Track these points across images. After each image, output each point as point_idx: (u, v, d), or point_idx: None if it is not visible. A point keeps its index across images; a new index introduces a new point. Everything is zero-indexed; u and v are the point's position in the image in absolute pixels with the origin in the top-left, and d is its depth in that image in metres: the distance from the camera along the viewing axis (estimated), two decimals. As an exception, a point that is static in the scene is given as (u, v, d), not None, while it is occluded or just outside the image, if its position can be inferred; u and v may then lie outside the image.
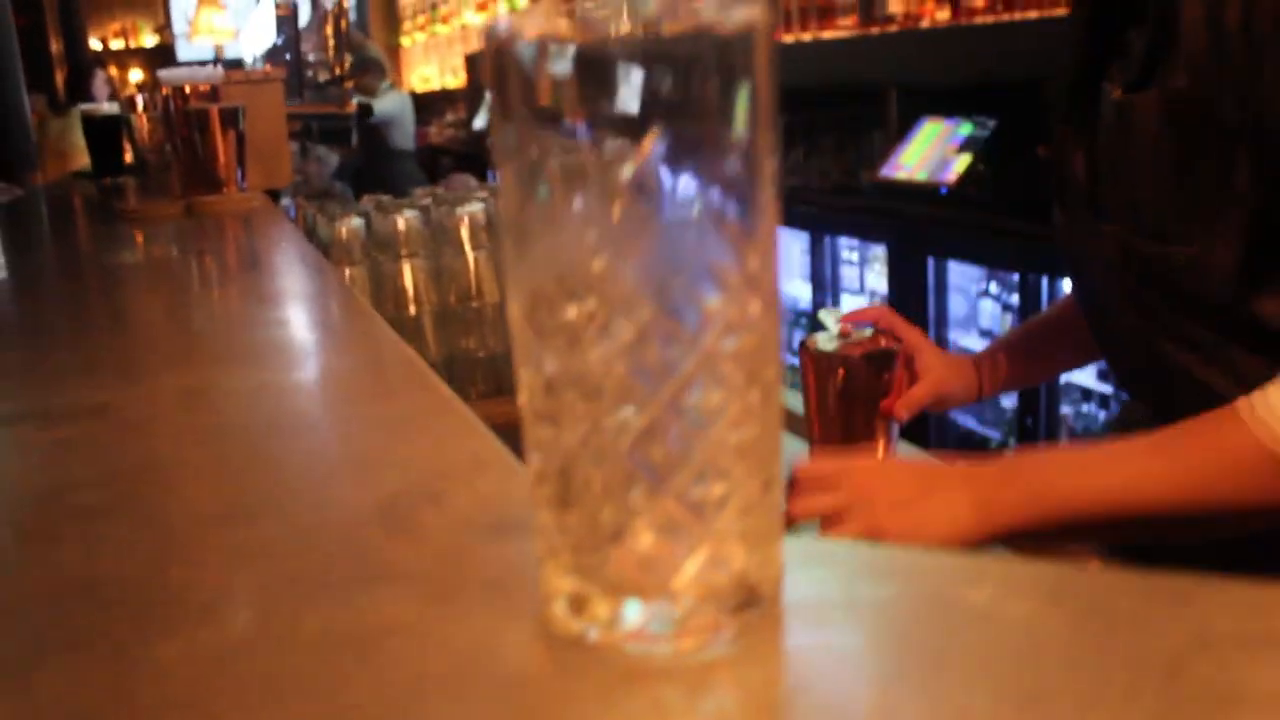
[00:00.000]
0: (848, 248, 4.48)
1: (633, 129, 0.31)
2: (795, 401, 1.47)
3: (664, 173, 0.32)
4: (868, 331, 1.33)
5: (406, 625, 0.37)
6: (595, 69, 0.31)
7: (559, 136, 0.32)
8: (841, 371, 1.29)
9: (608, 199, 0.32)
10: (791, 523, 1.03)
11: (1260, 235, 0.98)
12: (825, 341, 1.32)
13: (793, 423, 1.71)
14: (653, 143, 0.31)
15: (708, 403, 0.33)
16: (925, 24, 3.89)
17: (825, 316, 1.35)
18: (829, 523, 0.99)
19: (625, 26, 0.32)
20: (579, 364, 0.33)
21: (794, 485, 1.04)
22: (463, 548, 0.44)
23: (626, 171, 0.31)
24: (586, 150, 0.32)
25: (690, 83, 0.32)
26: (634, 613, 0.35)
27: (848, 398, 1.29)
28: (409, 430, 0.60)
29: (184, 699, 0.34)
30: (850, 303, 4.51)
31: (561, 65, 0.31)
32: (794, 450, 1.44)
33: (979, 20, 3.61)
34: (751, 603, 0.36)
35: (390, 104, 7.01)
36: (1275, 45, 0.92)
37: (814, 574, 0.40)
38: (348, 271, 1.79)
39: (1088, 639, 0.34)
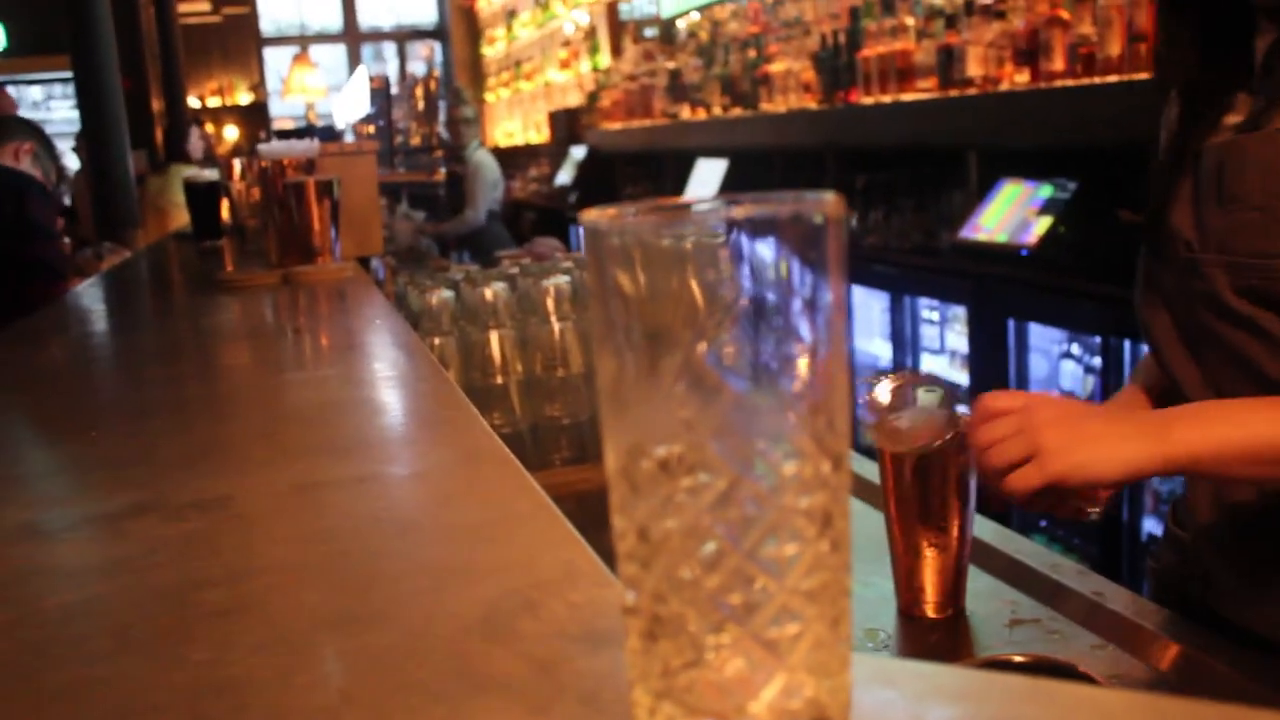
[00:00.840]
0: (928, 307, 4.49)
1: (716, 313, 0.36)
2: (873, 470, 1.49)
3: (745, 350, 0.36)
4: (936, 392, 1.35)
5: (509, 737, 0.42)
6: (686, 261, 0.36)
7: (650, 316, 0.36)
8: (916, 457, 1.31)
9: (694, 375, 0.36)
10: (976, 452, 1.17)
11: None
12: (903, 418, 1.34)
13: (871, 492, 1.73)
14: (735, 324, 0.36)
15: (783, 553, 0.37)
16: (1004, 87, 3.90)
17: (924, 396, 1.37)
18: (998, 453, 1.12)
19: (713, 221, 0.36)
20: (669, 518, 0.37)
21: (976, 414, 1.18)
22: (559, 659, 0.48)
23: (711, 351, 0.36)
24: (675, 329, 0.36)
25: (769, 272, 0.36)
26: None
27: (923, 476, 1.32)
28: (507, 535, 0.64)
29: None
30: (930, 361, 4.50)
31: (653, 257, 0.36)
32: (873, 521, 1.46)
33: (1058, 84, 3.62)
34: (823, 728, 0.39)
35: (485, 169, 7.12)
36: None
37: (882, 695, 0.43)
38: (437, 341, 1.85)
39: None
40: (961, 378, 4.22)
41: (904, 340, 4.52)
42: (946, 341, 4.45)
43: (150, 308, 2.26)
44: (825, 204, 0.37)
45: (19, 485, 0.87)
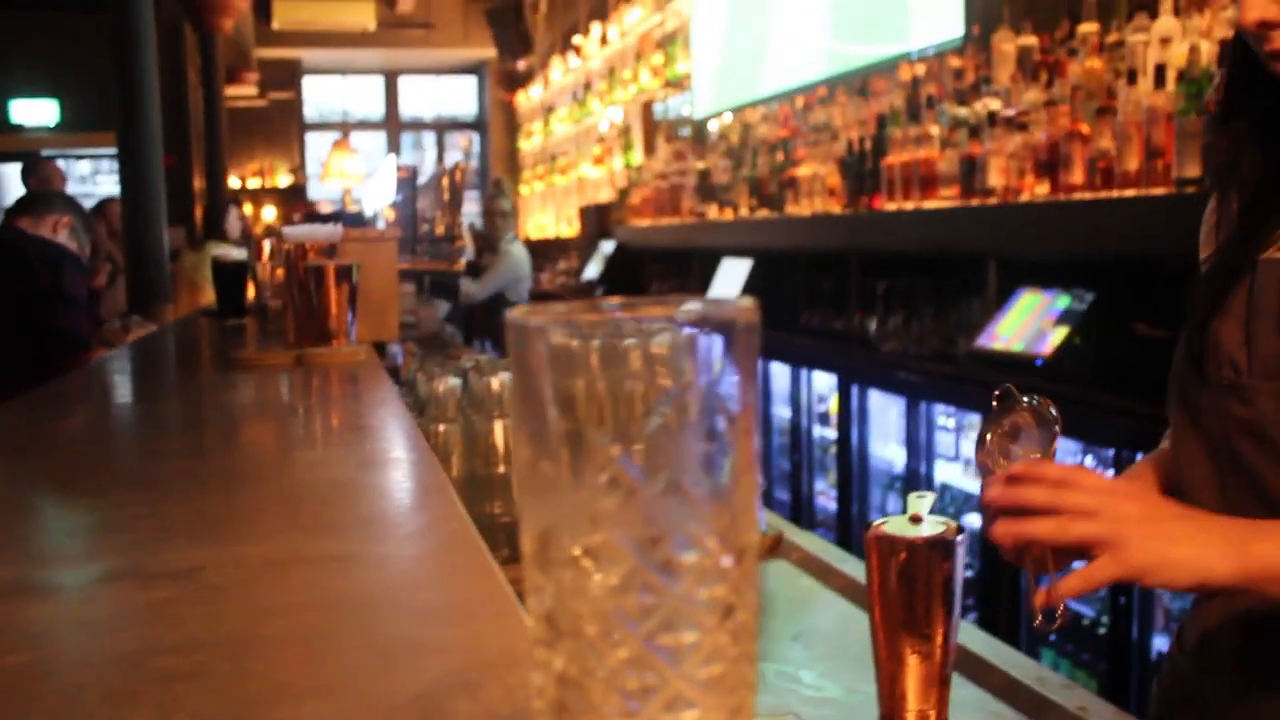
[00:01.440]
0: (944, 414, 4.49)
1: (625, 411, 0.38)
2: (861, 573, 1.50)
3: (650, 445, 0.38)
4: (941, 520, 1.36)
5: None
6: (598, 360, 0.38)
7: (562, 411, 0.38)
8: (903, 556, 1.32)
9: (600, 468, 0.38)
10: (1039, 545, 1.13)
11: None
12: (894, 526, 1.35)
13: (859, 594, 1.73)
14: (644, 424, 0.38)
15: (680, 641, 0.38)
16: (1025, 197, 3.95)
17: (914, 501, 1.38)
18: (1068, 526, 1.07)
19: (627, 324, 0.39)
20: (573, 602, 0.39)
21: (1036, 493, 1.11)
22: (485, 740, 0.49)
23: (618, 445, 0.38)
24: (585, 424, 0.38)
25: (679, 373, 0.38)
26: None
27: (908, 582, 1.32)
28: (460, 619, 0.66)
29: None
30: (944, 469, 4.49)
31: (567, 356, 0.38)
32: (858, 619, 1.47)
33: (1077, 196, 3.67)
34: (721, 817, 0.40)
35: (512, 260, 7.19)
36: None
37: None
38: (441, 428, 1.88)
39: None
40: (975, 486, 4.20)
41: (919, 447, 4.52)
42: (961, 449, 4.44)
43: (163, 382, 2.31)
44: (738, 310, 0.40)
45: (6, 546, 0.89)
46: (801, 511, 5.50)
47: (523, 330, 0.39)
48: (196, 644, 0.63)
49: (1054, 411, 1.30)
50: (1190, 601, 1.40)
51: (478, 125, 17.20)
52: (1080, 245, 3.69)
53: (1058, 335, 3.73)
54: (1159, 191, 3.30)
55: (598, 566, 0.38)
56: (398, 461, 1.16)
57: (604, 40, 10.71)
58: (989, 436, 1.33)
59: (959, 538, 1.33)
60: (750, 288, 6.04)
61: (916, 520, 1.37)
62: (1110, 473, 3.61)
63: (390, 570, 0.78)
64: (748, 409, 0.39)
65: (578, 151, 12.05)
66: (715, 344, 0.39)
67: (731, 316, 0.39)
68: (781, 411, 5.84)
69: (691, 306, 0.39)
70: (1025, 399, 1.33)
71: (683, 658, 0.38)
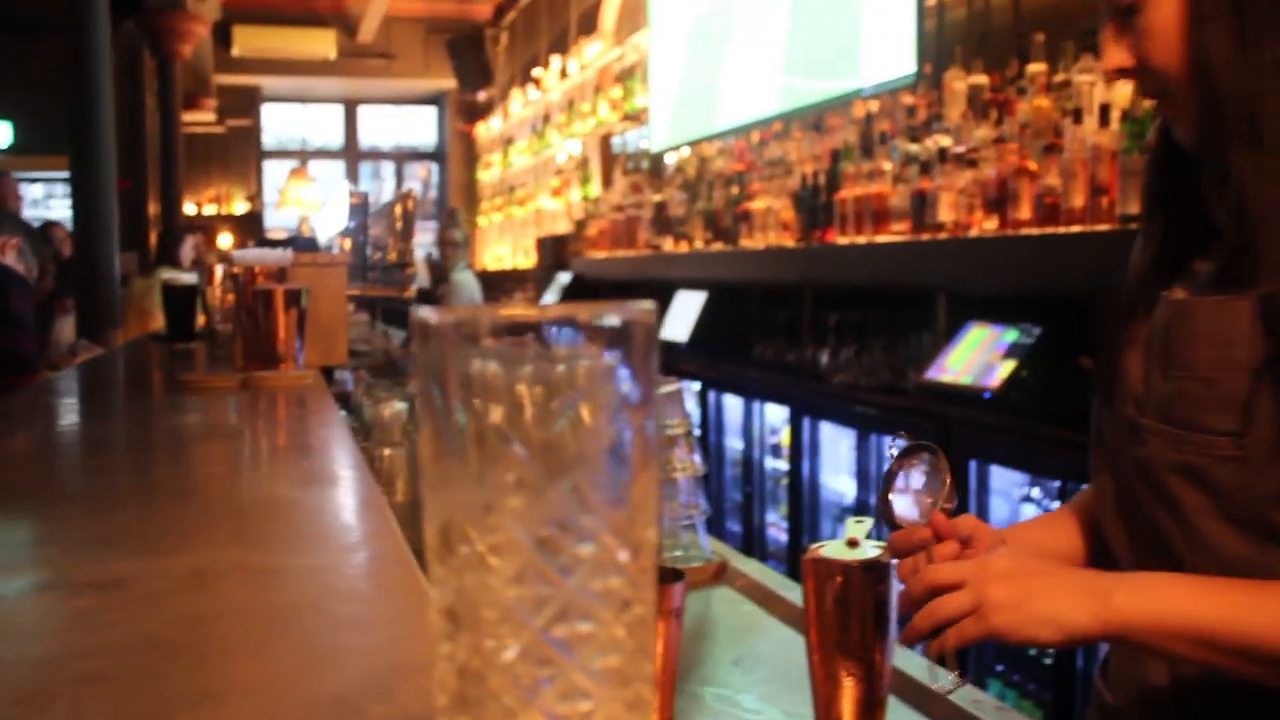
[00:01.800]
0: (895, 447, 4.52)
1: (524, 406, 0.39)
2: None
3: (548, 441, 0.39)
4: (879, 544, 1.37)
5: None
6: (496, 356, 0.39)
7: (468, 411, 0.40)
8: (839, 579, 1.33)
9: (498, 462, 0.39)
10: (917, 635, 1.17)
11: None
12: (830, 550, 1.37)
13: (802, 621, 1.74)
14: (544, 422, 0.39)
15: (575, 633, 0.39)
16: (974, 232, 4.01)
17: (853, 526, 1.40)
18: (943, 603, 1.13)
19: (524, 324, 0.40)
20: (472, 594, 0.40)
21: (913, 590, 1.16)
22: (395, 739, 0.50)
23: (515, 440, 0.39)
24: (484, 417, 0.39)
25: (577, 372, 0.39)
26: None
27: (844, 605, 1.33)
28: (384, 626, 0.66)
29: None
30: (895, 500, 4.52)
31: (466, 351, 0.39)
32: (799, 645, 1.48)
33: (1024, 231, 3.72)
34: (618, 808, 0.41)
35: (463, 288, 7.21)
36: None
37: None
38: (387, 451, 1.88)
39: None
40: (924, 517, 4.23)
41: (869, 478, 4.55)
42: (911, 481, 4.46)
43: (108, 402, 2.29)
44: (636, 313, 0.41)
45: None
46: (753, 543, 5.52)
47: (425, 328, 0.40)
48: (116, 649, 0.63)
49: (944, 461, 1.36)
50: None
51: (437, 156, 17.20)
52: (1027, 280, 3.74)
53: (1005, 368, 3.78)
54: (1104, 228, 3.36)
55: (495, 559, 0.39)
56: (336, 479, 1.17)
57: (563, 73, 10.76)
58: (887, 491, 1.38)
59: (895, 561, 1.34)
60: (704, 320, 6.08)
61: (854, 544, 1.38)
62: (1056, 504, 3.66)
63: (318, 581, 0.78)
64: (645, 409, 0.41)
65: (536, 183, 12.07)
66: (615, 347, 0.40)
67: (630, 320, 0.41)
68: (734, 443, 5.86)
69: (592, 310, 0.40)
70: (921, 447, 1.38)
71: (578, 649, 0.39)
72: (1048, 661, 3.69)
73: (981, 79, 4.27)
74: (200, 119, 14.53)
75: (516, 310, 0.41)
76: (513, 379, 0.39)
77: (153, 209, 12.05)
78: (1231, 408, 1.06)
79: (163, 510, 1.06)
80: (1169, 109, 1.16)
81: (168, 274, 3.77)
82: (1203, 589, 1.06)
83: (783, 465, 5.34)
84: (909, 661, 1.58)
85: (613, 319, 0.40)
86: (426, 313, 0.40)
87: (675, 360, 5.87)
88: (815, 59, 5.89)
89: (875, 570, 1.33)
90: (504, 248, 13.36)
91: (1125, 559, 1.25)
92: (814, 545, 1.39)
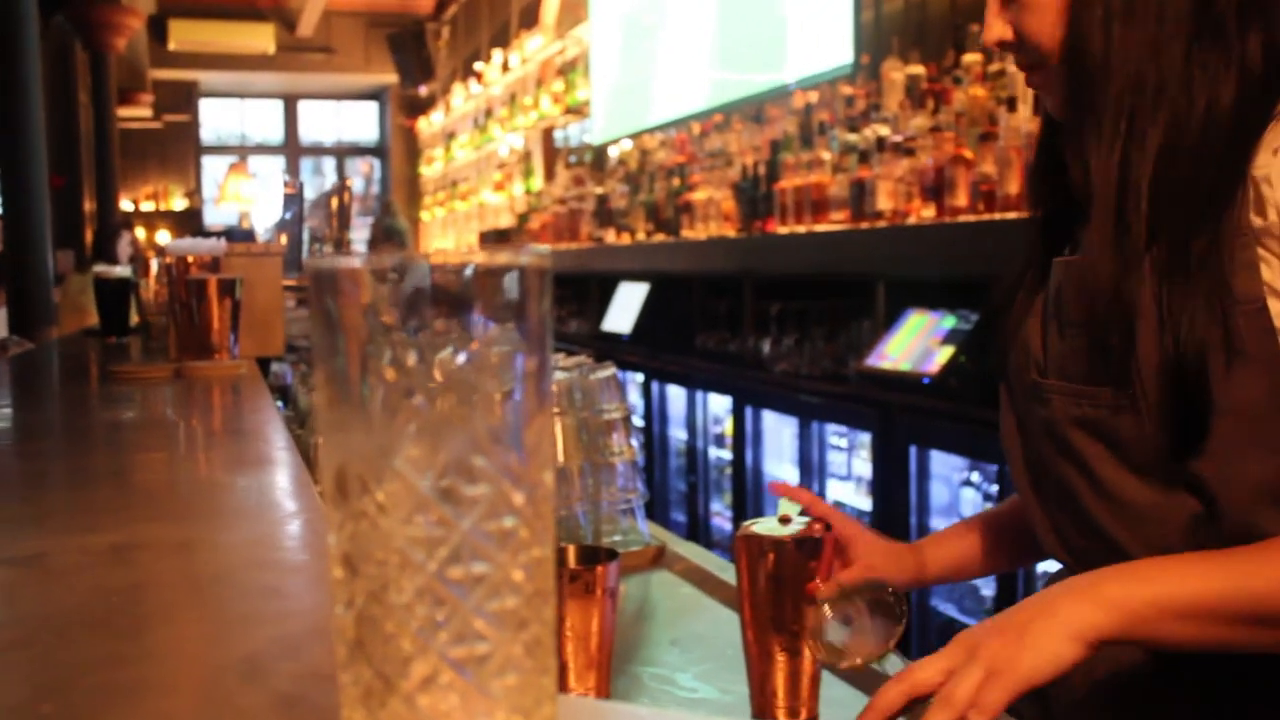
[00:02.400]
0: (836, 434, 4.56)
1: (414, 346, 0.39)
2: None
3: (440, 383, 0.39)
4: (805, 520, 1.39)
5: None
6: (388, 298, 0.40)
7: (362, 355, 0.40)
8: (771, 556, 1.34)
9: (390, 404, 0.39)
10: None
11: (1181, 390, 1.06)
12: (762, 527, 1.38)
13: (735, 600, 1.76)
14: (437, 365, 0.39)
15: (469, 574, 0.40)
16: (912, 220, 4.05)
17: (785, 503, 1.41)
18: (957, 686, 0.99)
19: (426, 272, 0.40)
20: (366, 537, 0.40)
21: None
22: (303, 695, 0.50)
23: (407, 383, 0.39)
24: (382, 369, 0.39)
25: (468, 312, 0.40)
26: None
27: (776, 581, 1.34)
28: (300, 594, 0.66)
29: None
30: (836, 487, 4.56)
31: (371, 304, 0.40)
32: (736, 624, 1.49)
33: (961, 219, 3.77)
34: (517, 750, 0.42)
35: None
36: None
37: (595, 730, 0.46)
38: (322, 439, 1.86)
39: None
40: (865, 503, 4.27)
41: (811, 466, 4.58)
42: (853, 468, 4.51)
43: (39, 392, 2.25)
44: (530, 257, 0.41)
45: None
46: (698, 533, 5.54)
47: (320, 273, 0.40)
48: (25, 620, 0.62)
49: (902, 605, 1.27)
50: None
51: (378, 151, 17.08)
52: (965, 266, 3.78)
53: (944, 354, 3.82)
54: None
55: (388, 501, 0.39)
56: (265, 461, 1.16)
57: (505, 67, 10.72)
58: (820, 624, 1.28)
59: (825, 534, 1.36)
60: (647, 311, 6.09)
61: (785, 521, 1.40)
62: (995, 488, 3.71)
63: (241, 554, 0.78)
64: (538, 354, 0.41)
65: (479, 177, 12.02)
66: (510, 289, 0.41)
67: (524, 264, 0.41)
68: (678, 434, 5.88)
69: (487, 255, 0.41)
70: (869, 588, 1.29)
71: (473, 591, 0.40)
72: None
73: (918, 69, 4.31)
74: (136, 114, 14.32)
75: (412, 256, 0.41)
76: (407, 321, 0.40)
77: (88, 206, 11.86)
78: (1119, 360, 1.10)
79: (90, 492, 1.05)
80: (1040, 82, 1.22)
81: (100, 269, 3.71)
82: (1190, 563, 1.05)
83: (727, 455, 5.37)
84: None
85: (506, 262, 0.41)
86: (322, 262, 0.41)
87: (619, 351, 5.87)
88: (744, 53, 5.92)
89: (807, 546, 1.34)
90: (447, 242, 13.30)
91: (1044, 534, 1.27)
92: (746, 523, 1.40)
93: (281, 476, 1.07)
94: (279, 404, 2.13)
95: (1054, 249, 1.24)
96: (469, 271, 0.40)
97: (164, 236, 14.42)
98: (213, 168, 16.21)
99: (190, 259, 2.41)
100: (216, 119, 16.71)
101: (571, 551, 1.23)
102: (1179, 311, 1.05)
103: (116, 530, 0.86)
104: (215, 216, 15.25)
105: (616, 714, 0.48)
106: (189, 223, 14.85)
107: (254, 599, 0.67)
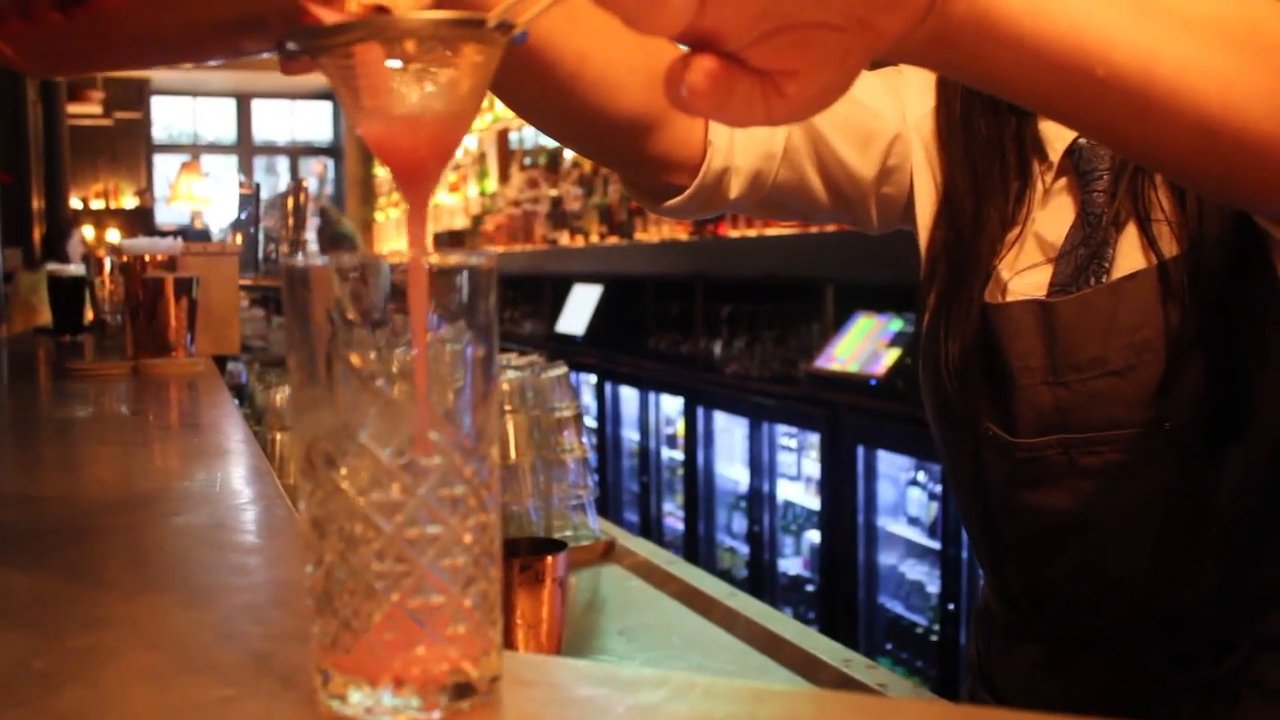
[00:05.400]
0: (786, 434, 4.64)
1: (374, 334, 0.45)
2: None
3: (396, 366, 0.45)
4: None
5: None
6: (364, 294, 0.45)
7: (331, 343, 0.45)
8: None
9: (357, 390, 0.45)
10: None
11: None
12: None
13: (686, 595, 1.83)
14: (397, 351, 0.45)
15: (424, 534, 0.45)
16: (860, 226, 4.12)
17: None
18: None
19: (386, 269, 0.46)
20: (332, 501, 0.45)
21: None
22: (273, 653, 0.55)
23: (374, 374, 0.45)
24: (348, 355, 0.45)
25: (424, 308, 0.45)
26: (367, 696, 0.47)
27: None
28: (267, 565, 0.71)
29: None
30: (786, 487, 4.64)
31: (340, 290, 0.45)
32: (683, 615, 1.54)
33: (907, 225, 3.85)
34: (466, 693, 0.48)
35: None
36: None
37: (534, 680, 0.51)
38: (278, 436, 1.90)
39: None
40: (814, 503, 4.36)
41: (762, 466, 4.66)
42: (803, 468, 4.59)
43: (-7, 390, 2.27)
44: (479, 256, 0.47)
45: None
46: (650, 532, 5.60)
47: (293, 271, 0.46)
48: (6, 593, 0.67)
49: None
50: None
51: (333, 151, 17.02)
52: (912, 271, 3.86)
53: (890, 356, 3.91)
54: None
55: (353, 471, 0.45)
56: (225, 451, 1.21)
57: (461, 68, 10.73)
58: None
59: None
60: (600, 313, 6.15)
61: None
62: (939, 487, 3.80)
63: (202, 536, 0.83)
64: (485, 343, 0.47)
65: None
66: (461, 284, 0.46)
67: (474, 264, 0.47)
68: (631, 435, 5.94)
69: (441, 255, 0.46)
70: None
71: (427, 549, 0.45)
72: (934, 639, 3.82)
73: (867, 76, 4.39)
74: (87, 111, 14.19)
75: (374, 256, 0.46)
76: (369, 313, 0.45)
77: (36, 203, 11.74)
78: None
79: (45, 480, 1.09)
80: None
81: (54, 267, 3.71)
82: None
83: (678, 455, 5.44)
84: (787, 628, 1.66)
85: (458, 263, 0.46)
86: (296, 259, 0.46)
87: (572, 353, 5.92)
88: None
89: None
90: (402, 243, 13.29)
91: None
92: None
93: (242, 466, 1.12)
94: (235, 402, 2.17)
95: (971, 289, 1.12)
96: (427, 270, 0.46)
97: (114, 235, 14.29)
98: (164, 166, 16.08)
99: (147, 258, 2.44)
100: (168, 117, 16.58)
101: (522, 544, 1.27)
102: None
103: (76, 516, 0.91)
104: (167, 215, 15.14)
105: (558, 665, 0.53)
106: (140, 222, 14.72)
107: (222, 573, 0.72)
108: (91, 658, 0.55)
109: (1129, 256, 1.02)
